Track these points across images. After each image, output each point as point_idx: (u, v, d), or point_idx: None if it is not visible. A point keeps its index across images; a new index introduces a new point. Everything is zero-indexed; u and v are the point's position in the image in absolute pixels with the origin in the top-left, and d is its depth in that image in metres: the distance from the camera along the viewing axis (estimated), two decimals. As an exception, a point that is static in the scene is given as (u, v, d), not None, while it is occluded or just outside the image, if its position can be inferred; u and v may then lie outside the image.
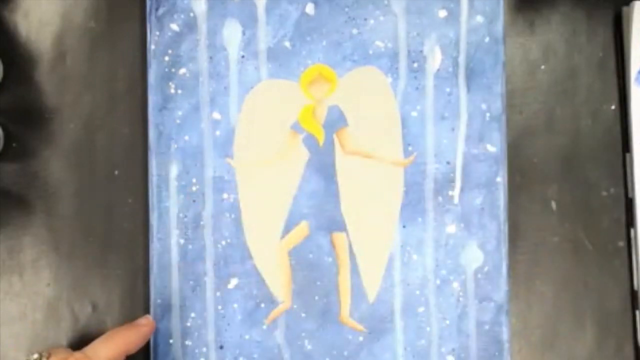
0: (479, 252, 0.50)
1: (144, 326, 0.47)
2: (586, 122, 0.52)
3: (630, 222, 0.51)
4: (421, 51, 0.50)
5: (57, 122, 0.51)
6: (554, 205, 0.51)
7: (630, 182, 0.51)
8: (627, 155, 0.52)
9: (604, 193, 0.52)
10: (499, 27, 0.50)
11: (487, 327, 0.49)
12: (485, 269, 0.50)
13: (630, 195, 0.51)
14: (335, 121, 0.50)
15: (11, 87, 0.51)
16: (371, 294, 0.50)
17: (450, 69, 0.50)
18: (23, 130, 0.51)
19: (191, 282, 0.49)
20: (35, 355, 0.43)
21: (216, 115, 0.50)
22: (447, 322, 0.49)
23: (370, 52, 0.50)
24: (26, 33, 0.51)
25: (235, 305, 0.49)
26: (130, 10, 0.51)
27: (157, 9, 0.49)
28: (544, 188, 0.51)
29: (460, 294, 0.49)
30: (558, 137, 0.52)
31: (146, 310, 0.49)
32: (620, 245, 0.52)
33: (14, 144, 0.51)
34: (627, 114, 0.51)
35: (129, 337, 0.45)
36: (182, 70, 0.50)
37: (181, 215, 0.49)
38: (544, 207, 0.51)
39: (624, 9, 0.52)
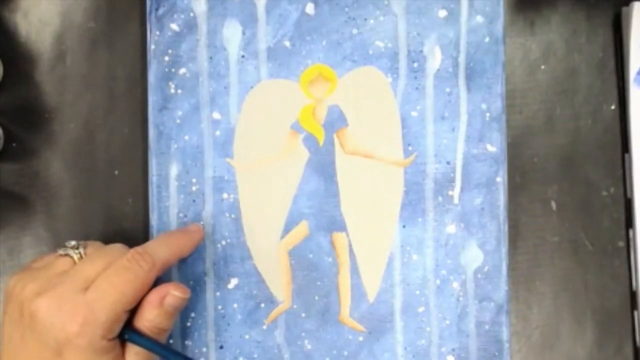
0: (479, 252, 0.50)
1: (195, 232, 0.47)
2: (586, 122, 0.52)
3: (629, 223, 0.51)
4: (421, 51, 0.50)
5: (57, 122, 0.51)
6: (554, 205, 0.51)
7: (629, 182, 0.51)
8: (626, 155, 0.52)
9: (604, 193, 0.52)
10: (499, 27, 0.50)
11: (487, 327, 0.49)
12: (485, 269, 0.50)
13: (629, 196, 0.51)
14: (335, 121, 0.50)
15: (11, 87, 0.51)
16: (371, 294, 0.50)
17: (450, 69, 0.50)
18: (23, 130, 0.51)
19: (191, 282, 0.49)
20: (73, 242, 0.44)
21: (216, 115, 0.50)
22: (447, 322, 0.49)
23: (370, 52, 0.50)
24: (26, 33, 0.51)
25: (235, 305, 0.49)
26: (130, 10, 0.51)
27: (157, 9, 0.49)
28: (544, 188, 0.51)
29: (460, 294, 0.50)
30: (558, 137, 0.52)
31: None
32: (620, 245, 0.52)
33: (14, 144, 0.51)
34: (627, 114, 0.51)
35: (183, 241, 0.46)
36: (182, 70, 0.50)
37: (181, 215, 0.49)
38: (544, 207, 0.51)
39: (624, 9, 0.52)
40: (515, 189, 0.51)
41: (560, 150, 0.52)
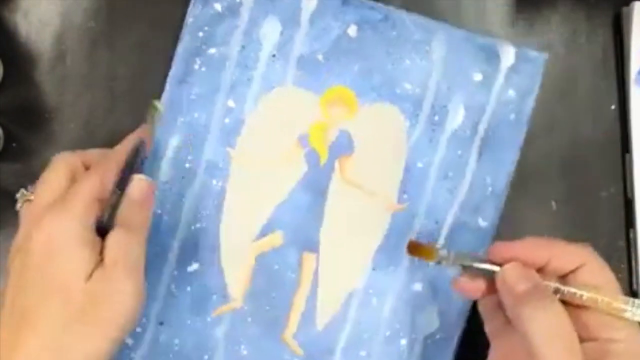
0: (436, 319, 0.49)
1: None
2: (586, 122, 0.52)
3: (629, 223, 0.51)
4: (445, 106, 0.49)
5: (57, 122, 0.51)
6: (554, 205, 0.51)
7: (630, 182, 0.51)
8: (627, 155, 0.51)
9: (604, 193, 0.51)
10: (529, 106, 0.49)
11: None
12: (438, 336, 0.49)
13: (629, 196, 0.51)
14: (342, 146, 0.50)
15: (11, 87, 0.51)
16: (321, 322, 0.49)
17: (468, 132, 0.49)
18: (23, 130, 0.51)
19: (157, 249, 0.49)
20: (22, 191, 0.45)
21: (231, 103, 0.49)
22: (383, 374, 0.49)
23: (398, 91, 0.49)
24: (26, 33, 0.51)
25: (189, 289, 0.49)
26: (130, 10, 0.51)
27: (206, -17, 0.49)
28: (544, 188, 0.51)
29: (405, 352, 0.49)
30: (558, 137, 0.51)
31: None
32: (620, 245, 0.51)
33: (14, 144, 0.51)
34: (627, 114, 0.51)
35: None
36: (212, 50, 0.49)
37: (168, 186, 0.49)
38: (544, 207, 0.51)
39: (624, 9, 0.51)
40: (515, 189, 0.50)
41: (560, 150, 0.51)
